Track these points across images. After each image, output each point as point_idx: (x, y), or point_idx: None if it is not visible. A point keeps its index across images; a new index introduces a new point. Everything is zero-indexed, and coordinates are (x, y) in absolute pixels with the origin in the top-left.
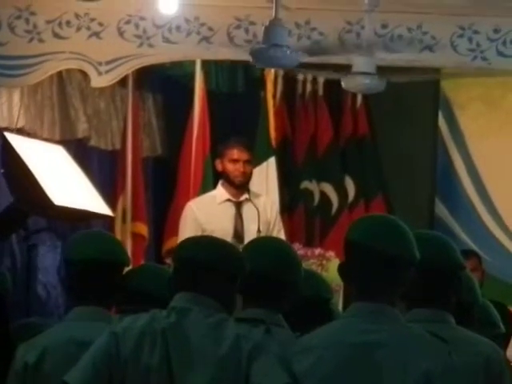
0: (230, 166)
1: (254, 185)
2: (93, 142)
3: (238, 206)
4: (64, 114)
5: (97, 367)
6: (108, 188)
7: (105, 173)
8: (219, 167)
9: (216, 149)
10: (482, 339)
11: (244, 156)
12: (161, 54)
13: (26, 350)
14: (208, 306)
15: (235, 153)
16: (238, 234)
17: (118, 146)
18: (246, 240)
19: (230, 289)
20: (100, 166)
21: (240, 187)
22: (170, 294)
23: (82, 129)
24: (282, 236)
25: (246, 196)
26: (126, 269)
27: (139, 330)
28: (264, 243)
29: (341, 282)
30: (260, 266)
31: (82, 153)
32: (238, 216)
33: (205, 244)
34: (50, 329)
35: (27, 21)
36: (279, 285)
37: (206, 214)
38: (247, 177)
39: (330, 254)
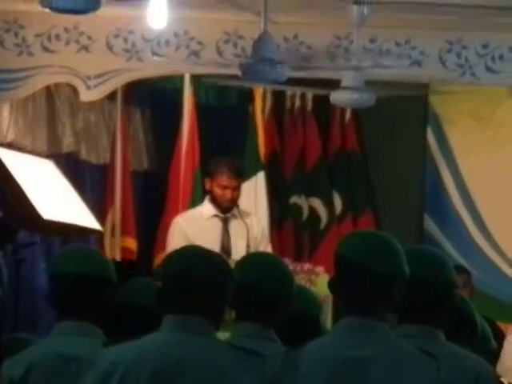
0: (218, 191)
1: (243, 199)
2: (83, 156)
3: (225, 221)
4: (51, 128)
5: None
6: (97, 202)
7: (94, 187)
8: (207, 186)
9: (205, 163)
10: (472, 355)
11: (233, 183)
12: (150, 68)
13: (11, 365)
14: (199, 330)
15: (225, 179)
16: (226, 249)
17: (108, 160)
18: (234, 255)
19: (221, 305)
20: (90, 180)
21: (226, 210)
22: (157, 310)
23: (67, 143)
24: (269, 251)
25: (233, 212)
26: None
27: (125, 366)
28: (257, 258)
29: (330, 293)
30: (253, 281)
31: (72, 167)
32: (225, 231)
33: (192, 259)
34: (36, 343)
35: (16, 34)
36: (272, 299)
37: (194, 228)
38: (234, 202)
39: (319, 269)
